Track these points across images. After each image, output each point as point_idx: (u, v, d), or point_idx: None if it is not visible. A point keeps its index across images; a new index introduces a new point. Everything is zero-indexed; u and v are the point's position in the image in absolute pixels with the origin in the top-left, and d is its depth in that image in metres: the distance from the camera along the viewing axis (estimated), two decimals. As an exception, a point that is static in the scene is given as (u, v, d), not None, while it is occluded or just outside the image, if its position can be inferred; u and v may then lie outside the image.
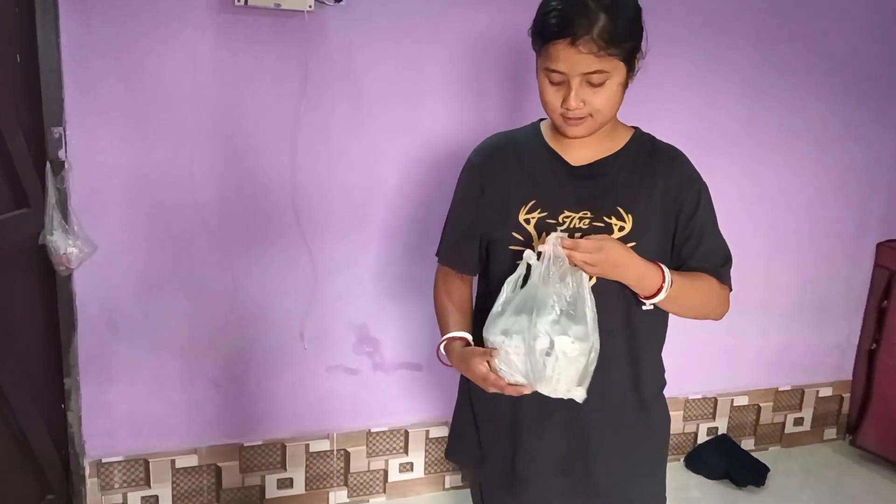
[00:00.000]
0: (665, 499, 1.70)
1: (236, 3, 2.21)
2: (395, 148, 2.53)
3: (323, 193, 2.49)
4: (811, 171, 3.07)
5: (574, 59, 1.39)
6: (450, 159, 2.38)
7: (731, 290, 1.63)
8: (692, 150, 2.81)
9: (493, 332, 1.41)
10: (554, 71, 1.42)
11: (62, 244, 2.22)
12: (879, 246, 3.25)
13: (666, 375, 2.97)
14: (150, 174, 2.31)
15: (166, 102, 2.28)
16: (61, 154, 2.21)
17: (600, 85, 1.42)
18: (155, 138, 2.29)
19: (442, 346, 1.59)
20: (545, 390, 1.40)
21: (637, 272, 1.43)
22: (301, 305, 2.53)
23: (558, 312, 1.37)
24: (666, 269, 1.46)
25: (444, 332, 1.62)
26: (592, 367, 1.39)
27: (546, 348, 1.35)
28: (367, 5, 2.37)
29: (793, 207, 3.09)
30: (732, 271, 2.94)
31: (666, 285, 1.44)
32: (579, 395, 1.40)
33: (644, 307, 1.52)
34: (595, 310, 1.38)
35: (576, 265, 1.37)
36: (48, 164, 2.18)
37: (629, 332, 1.55)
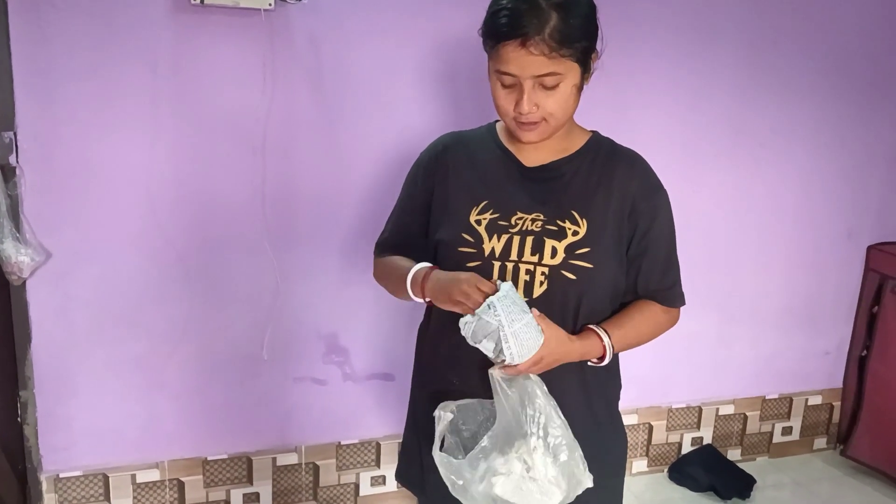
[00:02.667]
0: None
1: (192, 1, 2.14)
2: (365, 151, 2.46)
3: (289, 198, 2.41)
4: (799, 175, 3.00)
5: (525, 60, 1.32)
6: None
7: (683, 304, 1.58)
8: (678, 155, 2.80)
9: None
10: (505, 73, 1.36)
11: (13, 253, 2.15)
12: (870, 249, 3.17)
13: (648, 383, 2.93)
14: (106, 180, 2.24)
15: (124, 106, 2.20)
16: (12, 159, 2.14)
17: (553, 88, 1.36)
18: (112, 143, 2.22)
19: (409, 281, 1.48)
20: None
21: (579, 353, 1.42)
22: (266, 316, 2.45)
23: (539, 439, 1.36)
24: (605, 338, 1.43)
25: (404, 272, 1.50)
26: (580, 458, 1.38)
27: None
28: (333, 3, 2.30)
29: (781, 212, 3.01)
30: (719, 277, 2.90)
31: (608, 353, 1.44)
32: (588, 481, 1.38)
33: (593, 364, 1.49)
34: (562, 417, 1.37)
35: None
36: (-2, 170, 2.12)
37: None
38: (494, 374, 1.37)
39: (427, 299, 1.45)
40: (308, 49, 2.32)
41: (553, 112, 1.38)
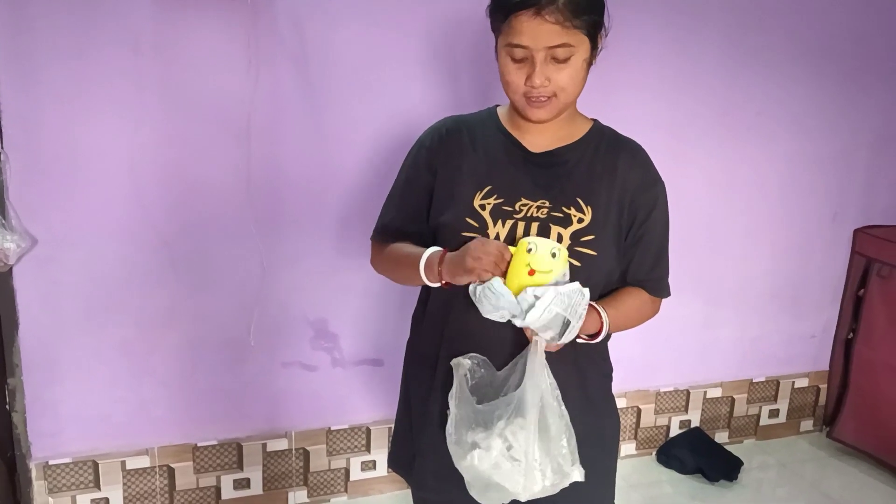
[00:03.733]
0: None
1: (175, -17, 2.12)
2: (351, 134, 2.44)
3: (275, 182, 2.40)
4: (785, 158, 3.00)
5: (539, 30, 1.31)
6: (410, 147, 2.29)
7: (669, 295, 1.60)
8: (665, 138, 2.80)
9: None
10: (517, 46, 1.34)
11: (-1, 239, 2.13)
12: (856, 233, 3.18)
13: (636, 367, 2.94)
14: (91, 165, 2.22)
15: (107, 90, 2.18)
16: (-4, 145, 2.12)
17: (565, 61, 1.35)
18: (96, 127, 2.20)
19: (423, 265, 1.44)
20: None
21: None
22: (252, 301, 2.45)
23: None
24: (604, 315, 1.42)
25: (416, 257, 1.46)
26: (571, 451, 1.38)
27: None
28: (319, -17, 2.29)
29: (767, 195, 3.02)
30: (706, 261, 2.92)
31: (604, 331, 1.43)
32: (577, 475, 1.38)
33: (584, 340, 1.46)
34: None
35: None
36: (-19, 156, 2.10)
37: None
38: (539, 345, 1.34)
39: (443, 281, 1.41)
40: (292, 31, 2.30)
41: (565, 87, 1.37)
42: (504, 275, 1.33)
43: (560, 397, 1.36)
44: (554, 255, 1.31)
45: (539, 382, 1.33)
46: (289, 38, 2.30)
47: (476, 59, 2.46)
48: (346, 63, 2.37)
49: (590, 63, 1.41)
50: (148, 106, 2.23)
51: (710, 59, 2.77)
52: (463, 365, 1.40)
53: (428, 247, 1.47)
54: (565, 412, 1.37)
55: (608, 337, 1.54)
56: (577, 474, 1.37)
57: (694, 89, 2.79)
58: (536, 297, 1.27)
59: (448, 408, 1.42)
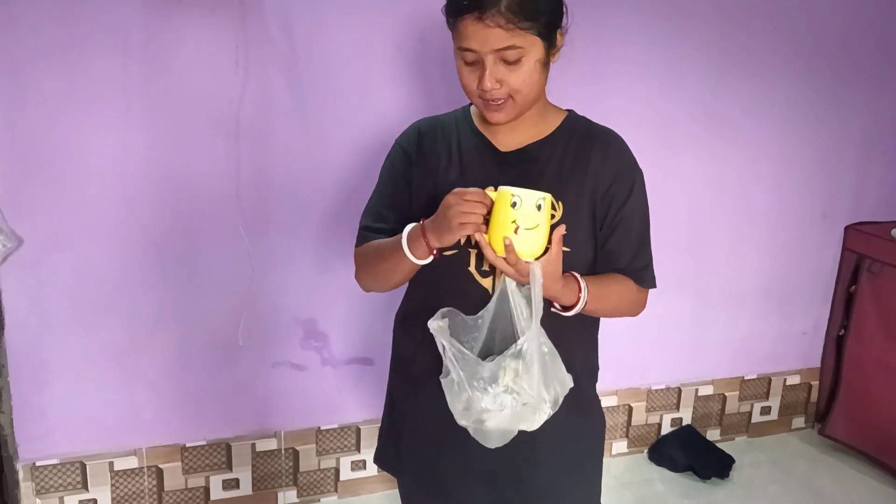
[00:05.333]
0: None
1: (161, -18, 2.11)
2: (340, 134, 2.43)
3: (264, 183, 2.39)
4: (776, 156, 3.00)
5: (483, 34, 1.30)
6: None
7: (654, 286, 1.56)
8: (653, 137, 2.79)
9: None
10: (466, 49, 1.34)
11: (-16, 240, 2.12)
12: (847, 229, 3.18)
13: (627, 365, 2.94)
14: (78, 165, 2.21)
15: (94, 90, 2.17)
16: (-19, 145, 2.11)
17: (515, 63, 1.33)
18: (83, 128, 2.19)
19: (406, 241, 1.39)
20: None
21: (559, 288, 1.36)
22: (242, 302, 2.43)
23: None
24: (582, 282, 1.39)
25: (396, 242, 1.42)
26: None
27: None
28: (306, -16, 2.27)
29: (757, 192, 3.02)
30: (696, 259, 2.91)
31: (580, 302, 1.39)
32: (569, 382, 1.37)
33: (556, 311, 1.43)
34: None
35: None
36: (-35, 156, 2.08)
37: (557, 321, 1.44)
38: (510, 285, 1.33)
39: (434, 251, 1.37)
40: (281, 31, 2.29)
41: (518, 88, 1.35)
42: (487, 224, 1.30)
43: (539, 321, 1.33)
44: (539, 207, 1.27)
45: (532, 327, 1.32)
46: (277, 39, 2.29)
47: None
48: (335, 63, 2.36)
49: (547, 62, 1.39)
50: (136, 106, 2.21)
51: (698, 58, 2.76)
52: (442, 326, 1.35)
53: None
54: (543, 332, 1.35)
55: (595, 337, 1.53)
56: (570, 381, 1.36)
57: (682, 88, 2.78)
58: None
59: (427, 411, 1.42)
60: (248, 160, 2.35)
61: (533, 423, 1.34)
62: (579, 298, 1.38)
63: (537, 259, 1.30)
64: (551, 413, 1.35)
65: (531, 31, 1.31)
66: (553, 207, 1.40)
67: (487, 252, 1.30)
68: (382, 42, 2.40)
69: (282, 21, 2.28)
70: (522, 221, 1.27)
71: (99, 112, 2.19)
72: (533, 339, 1.31)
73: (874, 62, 3.02)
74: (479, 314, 1.38)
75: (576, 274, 1.40)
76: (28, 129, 2.14)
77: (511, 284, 1.34)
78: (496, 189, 1.33)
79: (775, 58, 2.87)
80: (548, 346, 1.34)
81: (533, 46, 1.33)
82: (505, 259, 1.28)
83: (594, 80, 2.63)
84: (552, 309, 1.41)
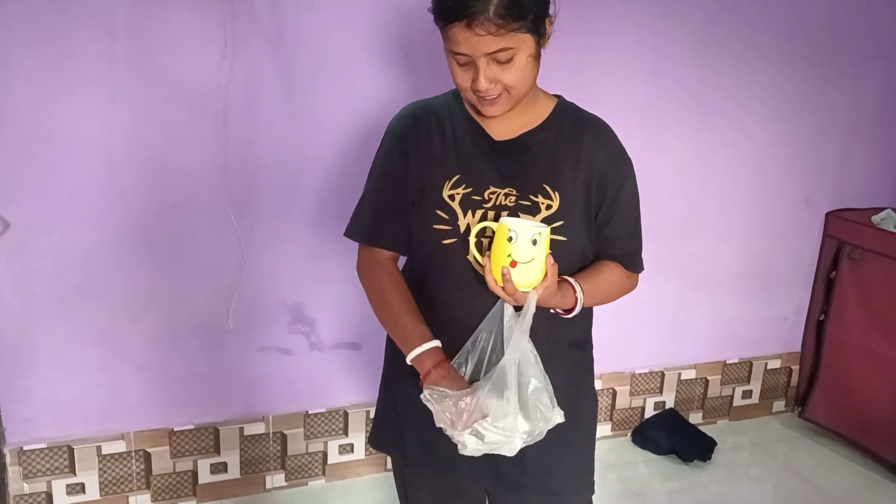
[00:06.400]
0: (593, 486, 1.64)
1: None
2: (327, 117, 2.43)
3: (252, 166, 2.39)
4: (759, 142, 3.03)
5: (474, 41, 1.30)
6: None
7: (643, 270, 1.60)
8: (639, 122, 2.81)
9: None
10: (458, 53, 1.34)
11: (-31, 223, 2.11)
12: (828, 216, 3.22)
13: (611, 349, 2.96)
14: (63, 147, 2.19)
15: (80, 71, 2.15)
16: (-34, 127, 2.09)
17: (508, 61, 1.34)
18: (68, 110, 2.17)
19: (413, 355, 1.42)
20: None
21: (557, 299, 1.40)
22: (230, 285, 2.43)
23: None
24: (578, 290, 1.42)
25: (405, 339, 1.45)
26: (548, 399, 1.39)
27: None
28: (293, -32, 2.26)
29: (741, 179, 3.05)
30: (679, 244, 2.93)
31: (578, 305, 1.42)
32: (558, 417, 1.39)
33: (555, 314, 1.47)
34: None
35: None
36: (-50, 138, 2.06)
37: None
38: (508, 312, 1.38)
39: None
40: (269, 14, 2.28)
41: (513, 84, 1.36)
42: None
43: (532, 346, 1.38)
44: (535, 242, 1.31)
45: (516, 348, 1.35)
46: (265, 21, 2.28)
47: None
48: (323, 46, 2.36)
49: (539, 53, 1.39)
50: (122, 89, 2.20)
51: (684, 44, 2.78)
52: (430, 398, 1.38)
53: (407, 254, 1.52)
54: (538, 357, 1.38)
55: (590, 322, 1.55)
56: (559, 417, 1.38)
57: (669, 73, 2.80)
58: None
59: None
60: (236, 143, 2.34)
61: (512, 450, 1.37)
62: (576, 302, 1.42)
63: (535, 287, 1.33)
64: (531, 442, 1.38)
65: (521, 30, 1.31)
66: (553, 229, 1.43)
67: (488, 279, 1.33)
68: (370, 25, 2.40)
69: (269, 3, 2.27)
70: (518, 256, 1.30)
71: (85, 95, 2.17)
72: (511, 366, 1.34)
73: (858, 50, 3.05)
74: (473, 336, 1.42)
75: (570, 279, 1.42)
76: (13, 111, 2.12)
77: (508, 309, 1.38)
78: (497, 220, 1.39)
79: (761, 43, 2.89)
80: (538, 379, 1.37)
81: (524, 43, 1.33)
82: (503, 288, 1.32)
83: (582, 65, 2.64)
84: (551, 311, 1.45)
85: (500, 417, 1.33)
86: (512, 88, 1.37)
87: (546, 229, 1.33)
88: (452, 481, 1.59)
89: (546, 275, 1.33)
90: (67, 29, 2.11)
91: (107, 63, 2.17)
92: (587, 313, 1.57)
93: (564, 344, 1.53)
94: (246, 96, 2.32)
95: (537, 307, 1.34)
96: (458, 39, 1.31)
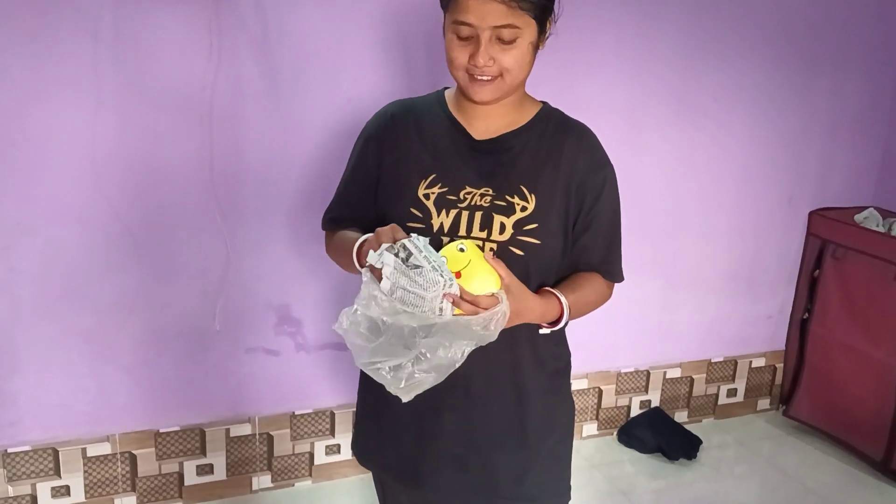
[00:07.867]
0: (570, 492, 1.63)
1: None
2: (313, 119, 2.43)
3: (238, 167, 2.39)
4: (741, 142, 3.05)
5: (485, 9, 1.30)
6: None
7: (622, 280, 1.60)
8: (622, 123, 2.82)
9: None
10: (463, 23, 1.33)
11: (-47, 225, 2.09)
12: (811, 215, 3.25)
13: (597, 349, 2.97)
14: (48, 149, 2.18)
15: (64, 73, 2.15)
16: (-51, 129, 2.08)
17: (511, 42, 1.34)
18: (53, 111, 2.16)
19: (355, 255, 1.40)
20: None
21: (540, 311, 1.38)
22: (216, 287, 2.43)
23: None
24: (563, 299, 1.41)
25: (349, 247, 1.43)
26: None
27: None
28: (278, -31, 2.26)
29: (724, 179, 3.07)
30: (663, 244, 2.94)
31: (564, 317, 1.42)
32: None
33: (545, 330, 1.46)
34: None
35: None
36: (-67, 140, 2.05)
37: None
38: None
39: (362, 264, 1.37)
40: (254, 15, 2.28)
41: (510, 68, 1.36)
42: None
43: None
44: (462, 250, 1.28)
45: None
46: (251, 23, 2.28)
47: (437, 44, 2.46)
48: (308, 48, 2.36)
49: (537, 47, 1.40)
50: (107, 91, 2.20)
51: (667, 45, 2.80)
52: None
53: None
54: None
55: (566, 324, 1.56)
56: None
57: (652, 74, 2.82)
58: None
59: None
60: (222, 145, 2.34)
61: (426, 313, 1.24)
62: (562, 313, 1.41)
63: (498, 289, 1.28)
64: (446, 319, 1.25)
65: (529, 12, 1.32)
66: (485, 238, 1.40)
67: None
68: (356, 26, 2.40)
69: (254, 4, 2.27)
70: (455, 266, 1.26)
71: (70, 96, 2.17)
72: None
73: (840, 51, 3.08)
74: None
75: (551, 289, 1.42)
76: (-4, 114, 2.12)
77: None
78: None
79: (744, 44, 2.91)
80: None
81: (528, 27, 1.34)
82: (469, 303, 1.24)
83: (564, 66, 2.65)
84: (541, 331, 1.44)
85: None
86: (508, 73, 1.37)
87: (468, 241, 1.30)
88: (426, 501, 1.58)
89: (500, 276, 1.28)
90: (52, 30, 2.10)
91: (92, 64, 2.16)
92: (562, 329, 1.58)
93: (541, 351, 1.52)
94: (231, 98, 2.32)
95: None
96: (468, 7, 1.31)
